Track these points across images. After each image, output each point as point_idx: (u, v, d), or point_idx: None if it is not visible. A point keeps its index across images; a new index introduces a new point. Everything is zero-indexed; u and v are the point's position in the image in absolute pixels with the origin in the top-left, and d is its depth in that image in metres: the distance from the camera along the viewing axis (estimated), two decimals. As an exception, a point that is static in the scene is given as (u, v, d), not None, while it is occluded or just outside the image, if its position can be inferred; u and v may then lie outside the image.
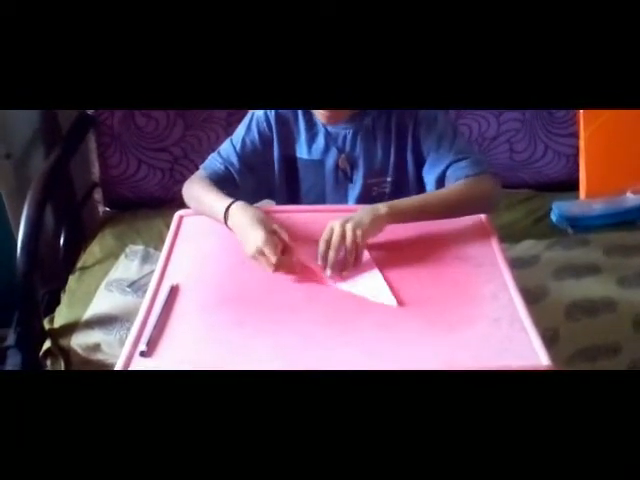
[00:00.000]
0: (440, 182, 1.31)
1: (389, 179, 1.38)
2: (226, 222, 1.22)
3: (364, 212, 1.17)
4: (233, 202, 1.23)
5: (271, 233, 1.15)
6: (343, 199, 1.41)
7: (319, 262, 1.14)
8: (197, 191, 1.32)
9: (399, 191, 1.37)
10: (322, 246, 1.14)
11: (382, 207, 1.18)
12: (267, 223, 1.17)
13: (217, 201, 1.25)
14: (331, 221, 1.15)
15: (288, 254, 1.14)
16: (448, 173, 1.29)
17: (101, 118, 1.99)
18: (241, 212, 1.20)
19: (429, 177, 1.33)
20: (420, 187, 1.37)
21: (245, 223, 1.18)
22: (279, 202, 1.46)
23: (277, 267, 1.12)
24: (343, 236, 1.13)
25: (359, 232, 1.12)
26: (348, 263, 1.13)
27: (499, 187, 1.32)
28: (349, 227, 1.13)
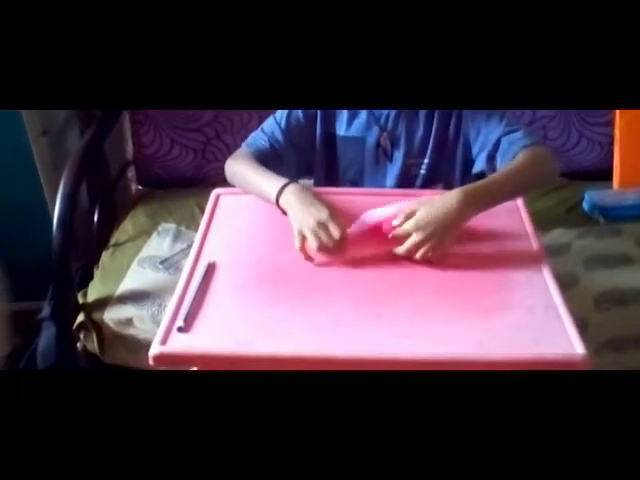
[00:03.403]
0: (492, 155, 1.29)
1: (426, 160, 1.38)
2: (278, 200, 1.22)
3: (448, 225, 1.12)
4: (290, 182, 1.23)
5: (333, 212, 1.16)
6: (382, 178, 1.42)
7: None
8: (243, 168, 1.32)
9: (437, 172, 1.38)
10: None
11: (467, 210, 1.14)
12: (329, 204, 1.19)
13: (270, 179, 1.25)
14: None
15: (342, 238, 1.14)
16: (503, 146, 1.27)
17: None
18: (301, 190, 1.21)
19: (481, 154, 1.32)
20: (461, 167, 1.37)
21: (307, 199, 1.19)
22: (317, 179, 1.47)
23: (334, 245, 1.12)
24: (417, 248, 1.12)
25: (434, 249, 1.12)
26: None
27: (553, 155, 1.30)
28: (427, 247, 1.11)
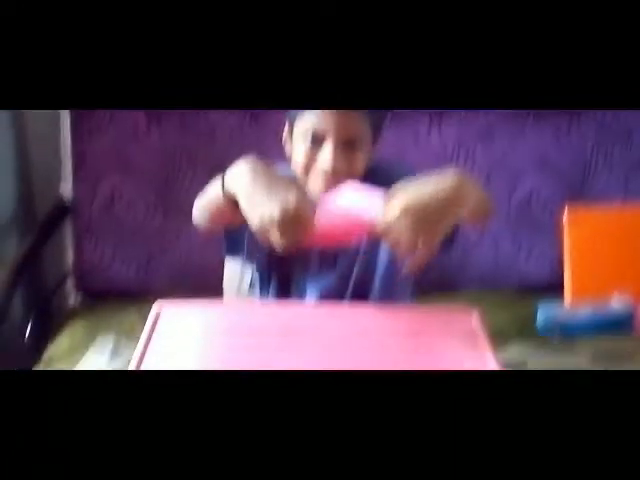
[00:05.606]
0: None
1: (359, 259, 1.28)
2: (224, 184, 1.01)
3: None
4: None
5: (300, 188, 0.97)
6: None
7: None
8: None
9: (370, 270, 1.30)
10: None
11: (468, 191, 0.98)
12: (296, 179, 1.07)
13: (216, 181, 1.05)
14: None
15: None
16: None
17: (79, 206, 1.94)
18: (255, 167, 0.97)
19: None
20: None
21: (264, 177, 0.95)
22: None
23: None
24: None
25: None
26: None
27: None
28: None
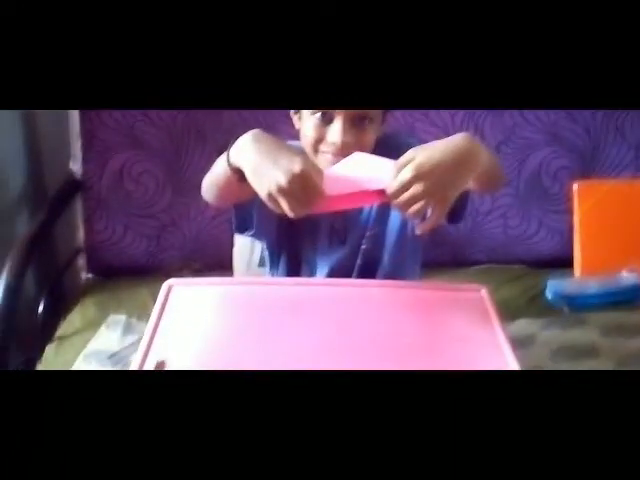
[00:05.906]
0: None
1: (368, 233, 1.29)
2: (229, 158, 1.01)
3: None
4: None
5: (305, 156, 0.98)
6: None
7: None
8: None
9: (379, 244, 1.30)
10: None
11: (478, 154, 0.98)
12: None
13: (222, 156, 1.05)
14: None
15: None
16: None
17: (89, 183, 1.95)
18: (260, 138, 0.98)
19: None
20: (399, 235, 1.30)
21: (269, 147, 0.96)
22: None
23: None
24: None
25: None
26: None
27: None
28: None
